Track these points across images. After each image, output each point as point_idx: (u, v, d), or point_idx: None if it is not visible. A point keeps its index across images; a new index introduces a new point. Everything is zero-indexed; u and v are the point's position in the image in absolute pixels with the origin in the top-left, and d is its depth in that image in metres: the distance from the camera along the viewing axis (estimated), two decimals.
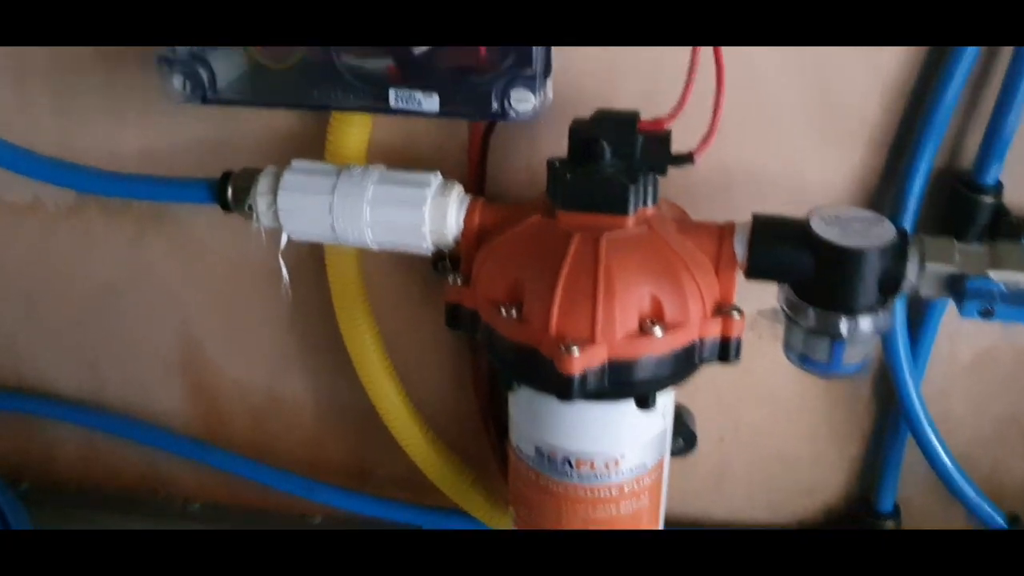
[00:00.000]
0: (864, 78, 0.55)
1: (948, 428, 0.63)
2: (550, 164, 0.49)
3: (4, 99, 0.61)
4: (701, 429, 0.65)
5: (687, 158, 0.50)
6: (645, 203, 0.49)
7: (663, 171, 0.50)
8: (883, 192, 0.57)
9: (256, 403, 0.73)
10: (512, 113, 0.48)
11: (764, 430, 0.67)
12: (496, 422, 0.67)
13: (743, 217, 0.58)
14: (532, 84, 0.47)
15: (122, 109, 0.61)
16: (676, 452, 0.64)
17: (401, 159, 0.59)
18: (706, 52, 0.47)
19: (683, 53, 0.47)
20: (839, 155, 0.57)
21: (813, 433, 0.67)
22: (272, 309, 0.68)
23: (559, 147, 0.50)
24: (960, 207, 0.55)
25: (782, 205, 0.57)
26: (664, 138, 0.49)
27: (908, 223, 0.55)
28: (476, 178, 0.58)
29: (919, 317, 0.60)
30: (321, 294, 0.63)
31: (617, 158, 0.49)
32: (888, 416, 0.65)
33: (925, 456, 0.63)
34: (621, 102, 0.56)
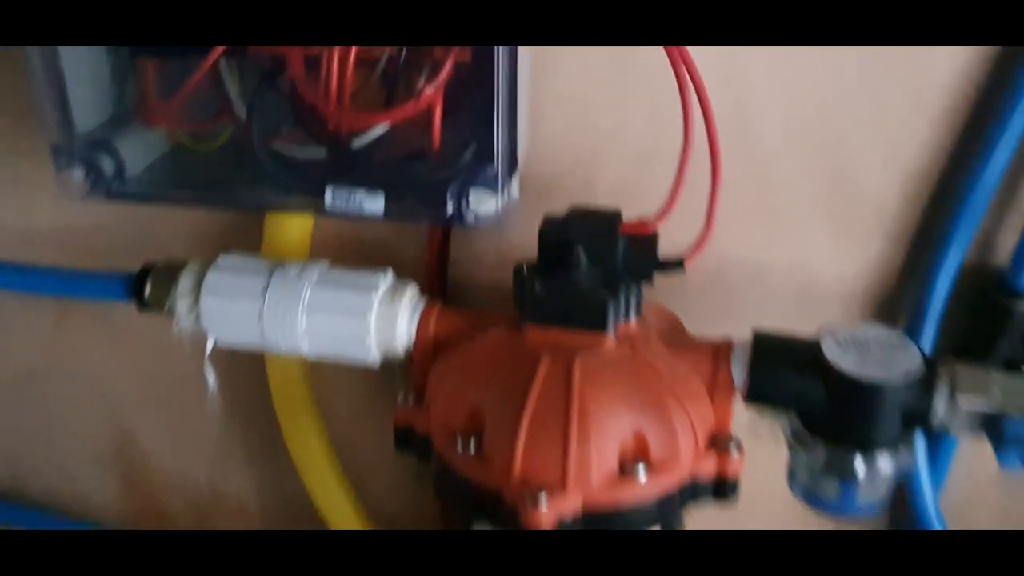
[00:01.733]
0: (881, 162, 0.48)
1: None
2: (517, 272, 0.42)
3: None
4: None
5: (677, 264, 0.43)
6: (627, 317, 0.42)
7: (649, 279, 0.43)
8: (903, 292, 0.50)
9: (197, 497, 0.66)
10: (471, 217, 0.40)
11: None
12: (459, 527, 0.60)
13: (741, 315, 0.51)
14: (494, 183, 0.40)
15: (32, 184, 0.54)
16: None
17: (352, 245, 0.52)
18: (700, 140, 0.40)
19: (672, 133, 0.40)
20: (853, 248, 0.49)
21: None
22: (208, 398, 0.60)
23: (532, 228, 0.43)
24: (992, 313, 0.48)
25: (788, 305, 0.51)
26: (650, 242, 0.42)
27: (931, 329, 0.48)
28: (435, 279, 0.51)
29: None
30: (262, 383, 0.56)
31: (595, 265, 0.42)
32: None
33: None
34: (601, 185, 0.50)
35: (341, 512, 0.58)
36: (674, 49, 0.40)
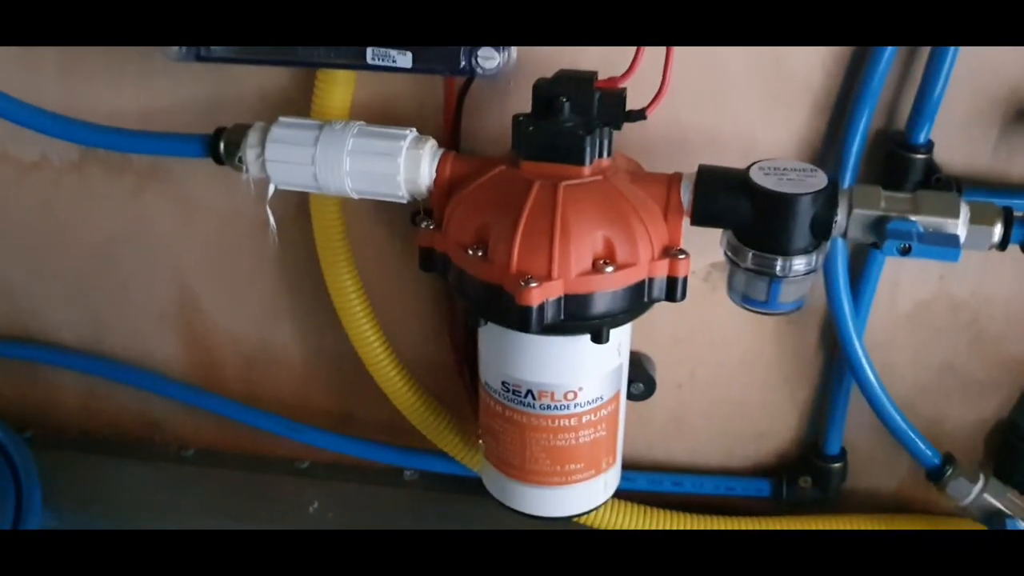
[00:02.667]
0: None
1: (890, 376, 0.67)
2: (515, 119, 0.54)
3: (10, 62, 0.66)
4: (660, 376, 0.70)
5: (640, 114, 0.54)
6: (600, 155, 0.54)
7: (618, 126, 0.54)
8: (826, 152, 0.62)
9: (247, 352, 0.78)
10: (479, 70, 0.52)
11: (719, 377, 0.72)
12: (470, 369, 0.71)
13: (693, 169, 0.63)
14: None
15: (122, 70, 0.66)
16: (637, 396, 0.69)
17: (382, 118, 0.63)
18: None
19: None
20: (786, 117, 0.61)
21: (765, 380, 0.72)
22: (262, 262, 0.72)
23: (527, 107, 0.55)
24: (895, 165, 0.60)
25: (732, 161, 0.62)
26: (619, 95, 0.54)
27: (847, 181, 0.60)
28: (451, 135, 0.63)
29: (860, 269, 0.65)
30: (308, 249, 0.68)
31: (576, 114, 0.53)
32: (834, 364, 0.70)
33: (869, 403, 0.68)
34: (584, 65, 0.61)
35: (375, 354, 0.69)
36: None
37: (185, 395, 0.78)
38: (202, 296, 0.76)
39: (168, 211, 0.72)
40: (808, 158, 0.62)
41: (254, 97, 0.65)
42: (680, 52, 0.52)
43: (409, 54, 0.52)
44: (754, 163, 0.53)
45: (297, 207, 0.67)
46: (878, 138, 0.60)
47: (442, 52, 0.52)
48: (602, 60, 0.60)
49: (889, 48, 0.57)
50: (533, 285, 0.50)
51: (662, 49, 0.52)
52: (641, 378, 0.69)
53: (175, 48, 0.54)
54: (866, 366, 0.67)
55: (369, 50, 0.52)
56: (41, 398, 0.85)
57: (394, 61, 0.53)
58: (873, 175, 0.61)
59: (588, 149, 0.53)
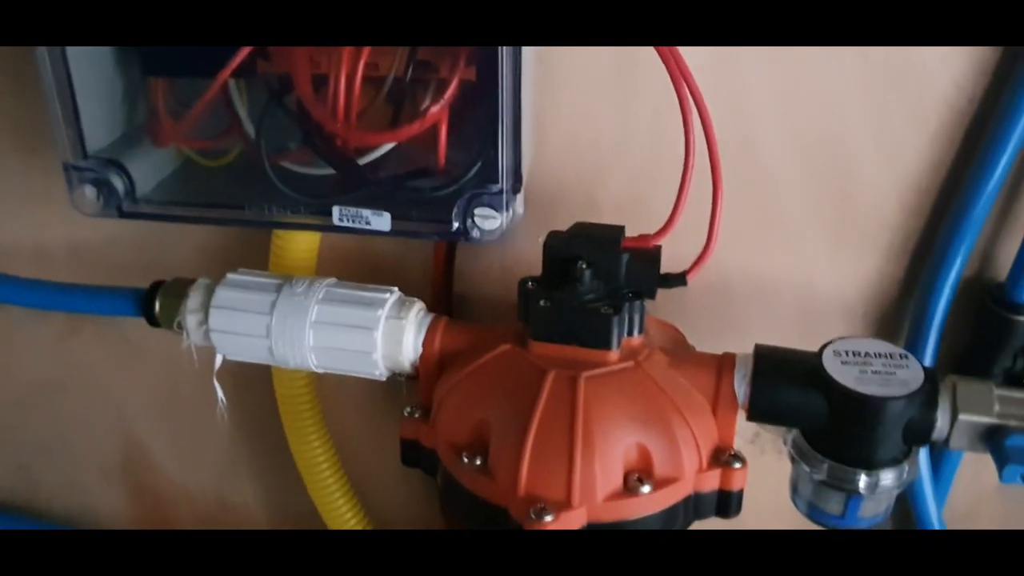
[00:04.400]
0: (881, 176, 0.48)
1: None
2: (522, 286, 0.43)
3: None
4: None
5: (679, 279, 0.43)
6: (631, 333, 0.42)
7: (652, 295, 0.43)
8: (903, 306, 0.50)
9: (204, 510, 0.66)
10: (476, 233, 0.41)
11: None
12: None
13: (743, 329, 0.52)
14: (499, 201, 0.41)
15: (46, 200, 0.55)
16: None
17: (358, 261, 0.52)
18: (702, 155, 0.41)
19: (675, 149, 0.41)
20: (854, 261, 0.50)
21: None
22: (218, 411, 0.61)
23: (535, 244, 0.43)
24: (991, 324, 0.48)
25: (789, 318, 0.51)
26: (653, 257, 0.43)
27: (932, 342, 0.48)
28: (442, 280, 0.52)
29: None
30: (270, 397, 0.56)
31: (599, 280, 0.42)
32: None
33: None
34: (606, 199, 0.50)
35: (346, 526, 0.58)
36: (674, 66, 0.40)
37: None
38: (150, 447, 0.64)
39: (106, 355, 0.61)
40: (881, 312, 0.51)
41: (204, 232, 0.54)
42: (726, 188, 0.41)
43: (387, 216, 0.41)
44: (827, 345, 0.42)
45: None
46: (968, 289, 0.49)
47: (429, 212, 0.41)
48: (630, 198, 0.50)
49: (992, 180, 0.46)
50: (548, 519, 0.39)
51: (704, 192, 0.41)
52: None
53: (91, 201, 0.43)
54: None
55: (336, 210, 0.41)
56: None
57: (368, 223, 0.41)
58: (962, 335, 0.49)
59: (616, 330, 0.41)
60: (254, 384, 0.58)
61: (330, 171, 0.42)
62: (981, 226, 0.47)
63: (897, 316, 0.51)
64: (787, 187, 0.49)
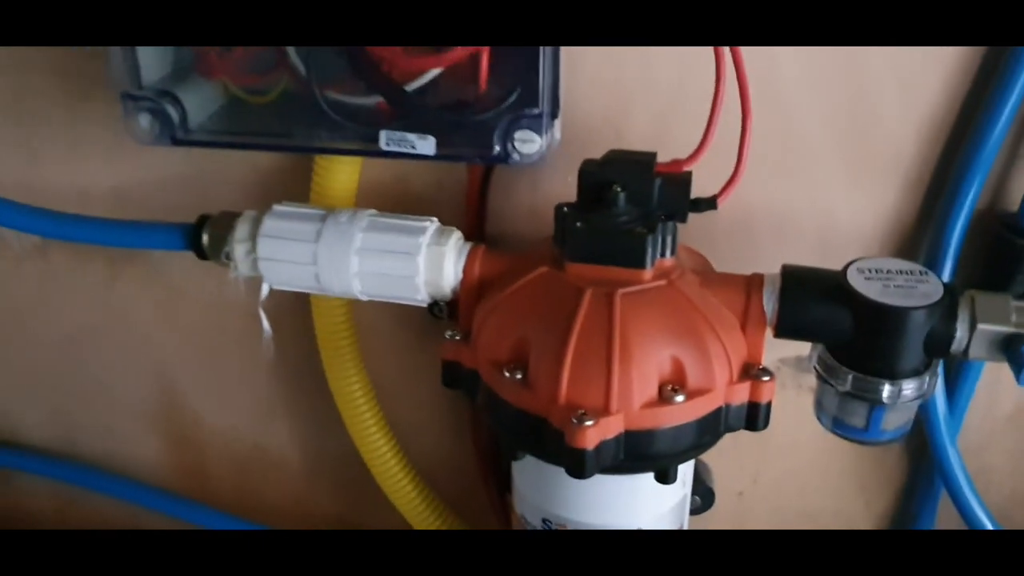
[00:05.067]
0: (899, 110, 0.50)
1: (986, 484, 0.58)
2: (558, 211, 0.45)
3: None
4: (719, 483, 0.60)
5: (710, 203, 0.45)
6: (663, 254, 0.44)
7: (683, 218, 0.45)
8: (919, 235, 0.52)
9: (240, 453, 0.68)
10: (516, 156, 0.43)
11: (786, 484, 0.62)
12: (496, 477, 0.62)
13: (766, 259, 0.53)
14: (538, 124, 0.42)
15: (90, 145, 0.56)
16: (693, 511, 0.60)
17: (394, 197, 0.54)
18: (729, 85, 0.43)
19: (700, 84, 0.43)
20: (871, 194, 0.52)
21: (838, 487, 0.62)
22: (256, 355, 0.63)
23: (564, 183, 0.45)
24: (1004, 253, 0.50)
25: (810, 250, 0.53)
26: (684, 181, 0.45)
27: (947, 269, 0.51)
28: (475, 218, 0.54)
29: (958, 364, 0.55)
30: (308, 338, 0.58)
31: (632, 204, 0.44)
32: (920, 470, 0.60)
33: (960, 513, 0.58)
34: (633, 136, 0.52)
35: (383, 462, 0.60)
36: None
37: (169, 507, 0.68)
38: (188, 392, 0.66)
39: (146, 299, 0.62)
40: (897, 242, 0.53)
41: (245, 173, 0.56)
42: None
43: (431, 139, 0.43)
44: (851, 263, 0.44)
45: (296, 296, 0.58)
46: (983, 220, 0.51)
47: (470, 135, 0.43)
48: (656, 134, 0.52)
49: (1004, 114, 0.48)
50: (588, 424, 0.40)
51: (728, 117, 0.43)
52: (698, 490, 0.59)
53: (146, 130, 0.45)
54: (959, 472, 0.57)
55: (383, 135, 0.43)
56: (11, 504, 0.75)
57: (413, 147, 0.43)
58: (976, 264, 0.51)
59: (650, 249, 0.43)
60: (291, 329, 0.60)
61: (375, 100, 0.44)
62: (994, 158, 0.49)
63: (913, 246, 0.53)
64: (808, 121, 0.51)
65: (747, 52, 0.43)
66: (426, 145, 0.43)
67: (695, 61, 0.45)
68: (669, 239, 0.45)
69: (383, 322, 0.60)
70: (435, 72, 0.43)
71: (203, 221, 0.50)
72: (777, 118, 0.50)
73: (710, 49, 0.43)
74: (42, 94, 0.55)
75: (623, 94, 0.51)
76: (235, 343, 0.62)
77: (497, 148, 0.43)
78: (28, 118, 0.56)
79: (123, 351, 0.65)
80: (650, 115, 0.51)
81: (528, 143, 0.43)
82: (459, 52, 0.42)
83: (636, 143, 0.52)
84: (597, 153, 0.48)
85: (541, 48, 0.41)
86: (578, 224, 0.44)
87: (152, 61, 0.46)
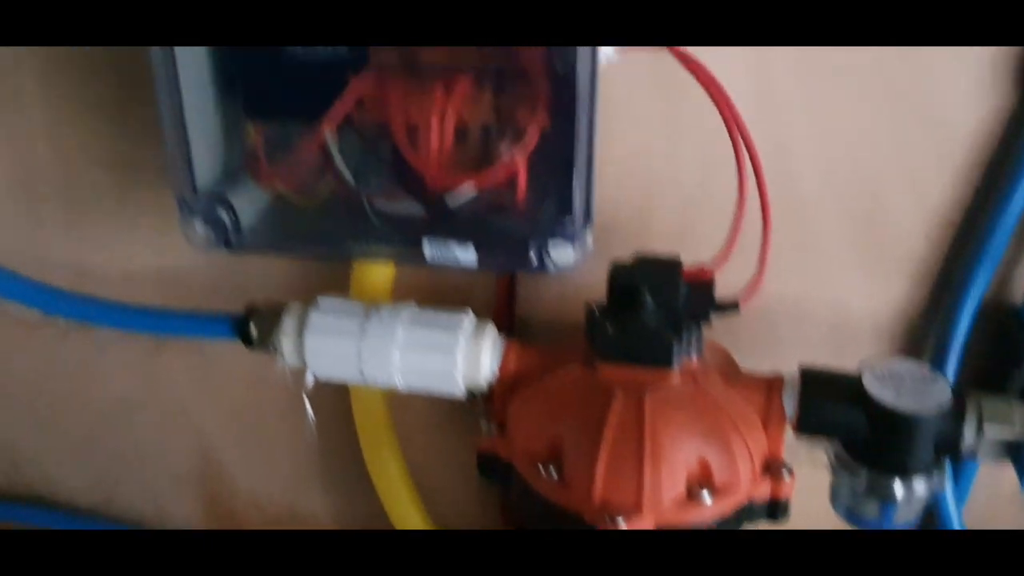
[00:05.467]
0: (910, 208, 0.53)
1: None
2: (589, 312, 0.47)
3: (17, 219, 0.60)
4: None
5: (732, 306, 0.48)
6: (689, 354, 0.47)
7: (707, 320, 0.48)
8: (928, 326, 0.55)
9: (275, 520, 0.71)
10: (551, 267, 0.46)
11: None
12: None
13: (784, 347, 0.57)
14: (572, 235, 0.45)
15: (136, 228, 0.59)
16: None
17: (428, 286, 0.57)
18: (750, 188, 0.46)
19: (721, 182, 0.46)
20: (883, 286, 0.55)
21: None
22: (294, 428, 0.65)
23: (591, 277, 0.48)
24: (1009, 346, 0.53)
25: (825, 338, 0.56)
26: (708, 285, 0.48)
27: (954, 361, 0.53)
28: (505, 311, 0.56)
29: None
30: (345, 413, 0.61)
31: (659, 307, 0.47)
32: None
33: None
34: (657, 229, 0.55)
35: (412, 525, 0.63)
36: (727, 110, 0.45)
37: None
38: (225, 460, 0.69)
39: (189, 372, 0.65)
40: (908, 332, 0.55)
41: (285, 261, 0.58)
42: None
43: (472, 250, 0.46)
44: (864, 365, 0.46)
45: None
46: (988, 311, 0.54)
47: (508, 246, 0.46)
48: (679, 228, 0.55)
49: (1011, 214, 0.50)
50: (620, 522, 0.43)
51: (751, 223, 0.46)
52: None
53: (201, 236, 0.47)
54: None
55: (427, 244, 0.46)
56: None
57: (456, 258, 0.46)
58: (981, 355, 0.54)
59: (676, 351, 0.46)
60: (329, 401, 0.62)
61: (419, 209, 0.47)
62: (1001, 254, 0.52)
63: (922, 335, 0.55)
64: (822, 218, 0.54)
65: (765, 149, 0.46)
66: (467, 255, 0.46)
67: (717, 161, 0.48)
68: (694, 340, 0.47)
69: (419, 400, 0.62)
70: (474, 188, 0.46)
71: (249, 313, 0.53)
72: (794, 214, 0.53)
73: (730, 151, 0.46)
74: (93, 183, 0.58)
75: (648, 191, 0.54)
76: (274, 416, 0.65)
77: (534, 259, 0.46)
78: (79, 204, 0.59)
79: (165, 420, 0.68)
80: (674, 211, 0.54)
81: (563, 254, 0.46)
82: (499, 173, 0.45)
83: (660, 235, 0.55)
84: (623, 244, 0.51)
85: (575, 164, 0.44)
86: (609, 327, 0.46)
87: (206, 163, 0.48)
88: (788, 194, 0.52)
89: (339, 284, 0.56)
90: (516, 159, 0.45)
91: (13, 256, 0.60)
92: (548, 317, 0.58)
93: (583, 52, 0.42)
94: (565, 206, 0.46)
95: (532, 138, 0.44)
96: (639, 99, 0.52)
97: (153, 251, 0.60)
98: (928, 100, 0.50)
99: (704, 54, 0.46)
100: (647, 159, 0.54)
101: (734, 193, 0.47)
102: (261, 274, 0.59)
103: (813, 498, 0.59)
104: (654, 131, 0.53)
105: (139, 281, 0.61)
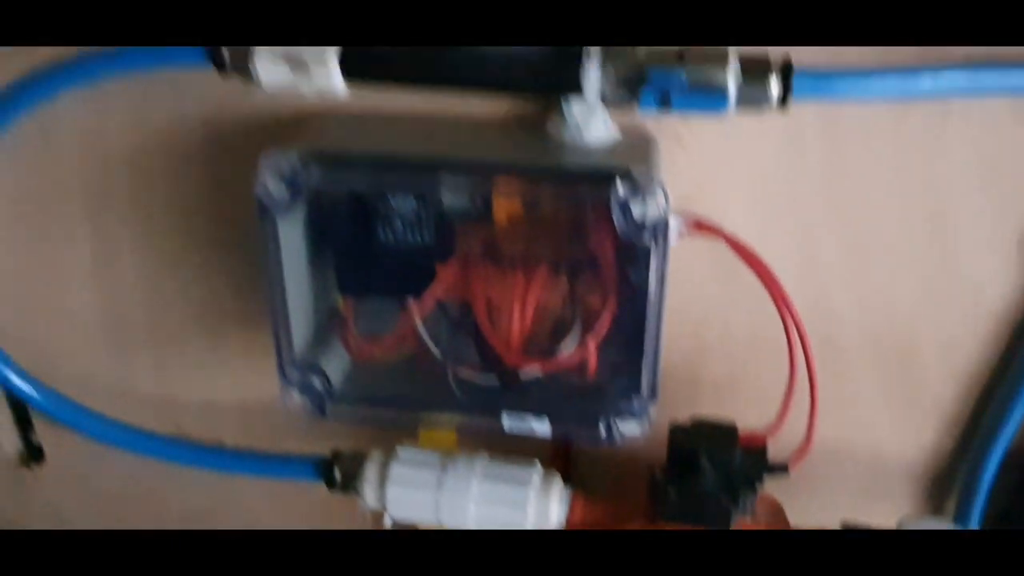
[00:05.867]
0: (940, 364, 0.57)
1: None
2: (651, 477, 0.51)
3: (108, 357, 0.64)
4: None
5: (783, 469, 0.53)
6: (744, 514, 0.52)
7: (760, 481, 0.52)
8: (956, 470, 0.60)
9: None
10: (619, 438, 0.50)
11: None
12: None
13: (823, 488, 0.61)
14: (639, 412, 0.50)
15: (224, 365, 0.64)
16: None
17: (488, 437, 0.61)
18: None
19: (769, 341, 0.51)
20: (915, 433, 0.59)
21: None
22: None
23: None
24: None
25: (861, 477, 0.61)
26: (762, 451, 0.52)
27: (980, 501, 0.58)
28: (563, 460, 0.61)
29: None
30: None
31: (716, 470, 0.51)
32: None
33: None
34: (707, 381, 0.59)
35: None
36: (775, 285, 0.50)
37: None
38: None
39: (263, 490, 0.68)
40: (937, 473, 0.60)
41: None
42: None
43: (546, 422, 0.50)
44: (902, 523, 0.51)
45: None
46: (1013, 459, 0.58)
47: (579, 418, 0.50)
48: (729, 380, 0.59)
49: None
50: None
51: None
52: None
53: (298, 402, 0.52)
54: None
55: (505, 416, 0.50)
56: None
57: (532, 429, 0.50)
58: (1006, 499, 0.59)
59: (733, 516, 0.50)
60: None
61: (493, 380, 0.52)
62: None
63: (950, 480, 0.60)
64: (860, 370, 0.58)
65: (805, 308, 0.50)
66: (542, 427, 0.50)
67: (766, 318, 0.52)
68: (749, 502, 0.52)
69: None
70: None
71: (334, 458, 0.57)
72: (833, 367, 0.57)
73: (777, 317, 0.50)
74: (183, 325, 0.62)
75: (701, 347, 0.58)
76: None
77: (603, 432, 0.50)
78: (168, 345, 0.63)
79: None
80: (723, 363, 0.59)
81: (630, 428, 0.50)
82: (572, 359, 0.50)
83: (710, 387, 0.59)
84: (673, 392, 0.55)
85: (646, 348, 0.48)
86: (670, 492, 0.51)
87: (301, 331, 0.52)
88: (829, 354, 0.56)
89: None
90: (588, 346, 0.49)
91: (101, 393, 0.65)
92: (604, 460, 0.62)
93: (656, 257, 0.46)
94: (634, 384, 0.50)
95: (603, 326, 0.49)
96: (697, 277, 0.56)
97: (240, 388, 0.64)
98: (960, 270, 0.54)
99: (754, 234, 0.51)
100: (700, 316, 0.58)
101: (781, 347, 0.51)
102: None
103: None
104: (706, 294, 0.57)
105: (225, 417, 0.65)
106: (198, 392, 0.65)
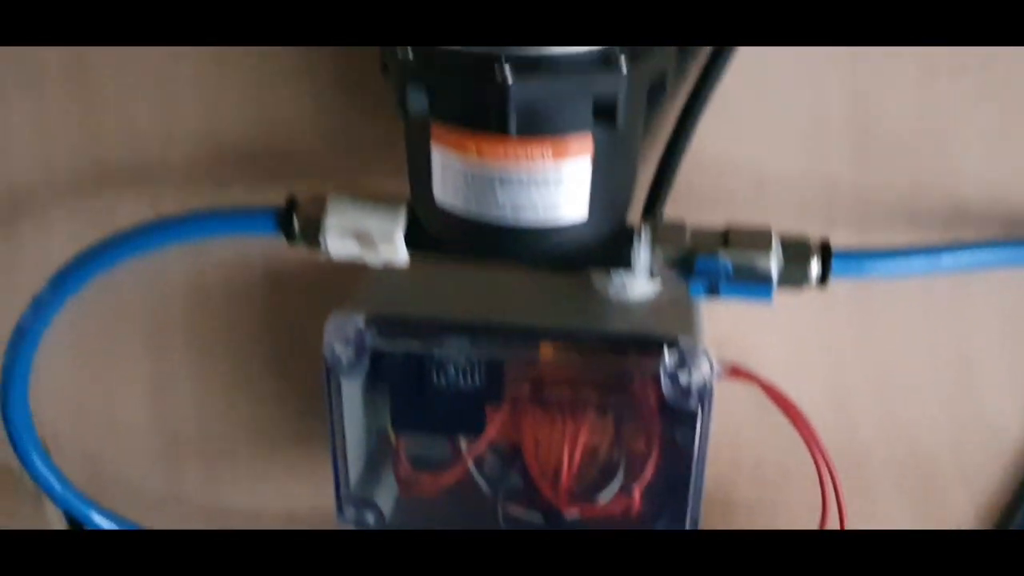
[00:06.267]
0: (962, 492, 0.60)
1: None
2: None
3: (157, 463, 0.67)
4: None
5: None
6: None
7: None
8: None
9: None
10: None
11: None
12: None
13: None
14: None
15: (267, 478, 0.66)
16: None
17: None
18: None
19: (798, 465, 0.54)
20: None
21: None
22: None
23: None
24: None
25: None
26: None
27: None
28: None
29: None
30: None
31: None
32: None
33: None
34: (738, 504, 0.62)
35: None
36: (806, 428, 0.53)
37: None
38: None
39: None
40: None
41: None
42: None
43: None
44: None
45: None
46: None
47: None
48: (754, 505, 0.62)
49: None
50: None
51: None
52: None
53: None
54: None
55: None
56: None
57: None
58: None
59: None
60: None
61: (538, 517, 0.54)
62: None
63: None
64: (883, 496, 0.61)
65: (831, 431, 0.53)
66: None
67: (796, 442, 0.54)
68: None
69: None
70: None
71: None
72: (859, 491, 0.60)
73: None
74: (232, 438, 0.65)
75: (732, 466, 0.61)
76: None
77: None
78: (214, 455, 0.66)
79: None
80: (754, 484, 0.61)
81: None
82: (619, 504, 0.52)
83: (742, 506, 0.62)
84: (707, 510, 0.57)
85: (691, 490, 0.51)
86: None
87: (356, 464, 0.55)
88: (855, 478, 0.59)
89: None
90: (634, 493, 0.52)
91: (153, 507, 0.67)
92: None
93: (701, 418, 0.49)
94: (677, 521, 0.52)
95: (649, 472, 0.52)
96: (732, 416, 0.59)
97: (283, 498, 0.67)
98: (984, 410, 0.58)
99: (786, 373, 0.54)
100: (733, 439, 0.60)
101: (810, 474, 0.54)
102: None
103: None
104: (742, 419, 0.60)
105: (264, 517, 0.67)
106: (245, 501, 0.67)
